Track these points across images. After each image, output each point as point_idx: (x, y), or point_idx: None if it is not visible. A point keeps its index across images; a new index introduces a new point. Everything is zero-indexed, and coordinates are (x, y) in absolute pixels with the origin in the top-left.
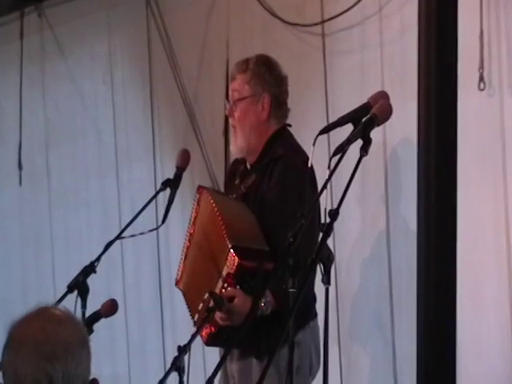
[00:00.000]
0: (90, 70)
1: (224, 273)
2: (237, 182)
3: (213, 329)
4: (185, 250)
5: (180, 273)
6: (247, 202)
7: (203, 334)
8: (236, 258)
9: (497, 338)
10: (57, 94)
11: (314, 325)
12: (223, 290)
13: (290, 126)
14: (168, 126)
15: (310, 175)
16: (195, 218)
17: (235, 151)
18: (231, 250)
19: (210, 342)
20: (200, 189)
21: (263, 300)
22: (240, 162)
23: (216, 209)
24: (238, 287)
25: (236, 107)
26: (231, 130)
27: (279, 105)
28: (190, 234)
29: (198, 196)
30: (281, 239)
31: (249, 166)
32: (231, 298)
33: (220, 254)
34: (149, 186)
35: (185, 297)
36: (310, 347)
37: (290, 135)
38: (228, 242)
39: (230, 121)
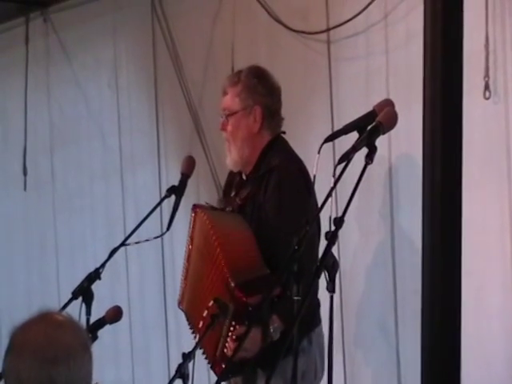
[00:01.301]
0: (95, 74)
1: (230, 311)
2: (232, 194)
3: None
4: (184, 270)
5: (181, 292)
6: (243, 214)
7: (216, 370)
8: (241, 297)
9: (501, 345)
10: (62, 98)
11: (319, 331)
12: (231, 328)
13: (284, 132)
14: (173, 130)
15: (306, 181)
16: (192, 238)
17: (230, 166)
18: (235, 290)
19: (222, 376)
20: (195, 208)
21: (271, 327)
22: (235, 174)
23: (212, 232)
24: (246, 323)
25: (228, 121)
26: (226, 143)
27: (271, 115)
28: (188, 255)
29: (193, 215)
30: (278, 250)
31: (244, 177)
32: (241, 337)
33: (222, 285)
34: (153, 191)
35: (187, 317)
36: (315, 354)
37: (285, 143)
38: (230, 280)
39: (224, 135)
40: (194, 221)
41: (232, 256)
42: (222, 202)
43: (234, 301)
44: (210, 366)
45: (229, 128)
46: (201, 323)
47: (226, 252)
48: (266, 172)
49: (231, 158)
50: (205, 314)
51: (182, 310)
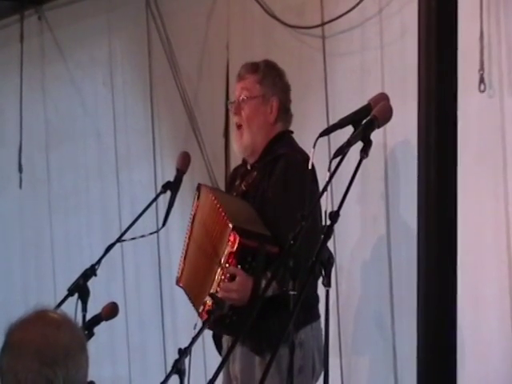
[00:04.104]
0: (90, 72)
1: (225, 254)
2: (237, 182)
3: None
4: (185, 247)
5: (180, 271)
6: (247, 199)
7: (206, 319)
8: (237, 236)
9: (497, 340)
10: (57, 96)
11: (317, 326)
12: (226, 265)
13: (292, 132)
14: (168, 128)
15: (312, 171)
16: (194, 214)
17: (240, 149)
18: (232, 231)
19: (211, 325)
20: (199, 186)
21: (264, 281)
22: (239, 168)
23: (216, 201)
24: (239, 267)
25: (244, 105)
26: (234, 129)
27: (285, 110)
28: (190, 232)
29: (197, 193)
30: (283, 235)
31: (249, 167)
32: (232, 277)
33: (221, 242)
34: (149, 188)
35: (187, 293)
36: (312, 349)
37: (292, 138)
38: (229, 223)
39: (235, 119)
40: (198, 197)
41: (233, 213)
42: None
43: (230, 242)
44: (197, 333)
45: (244, 112)
46: (198, 321)
47: (228, 210)
48: (271, 160)
49: (242, 142)
50: (201, 310)
51: (181, 287)
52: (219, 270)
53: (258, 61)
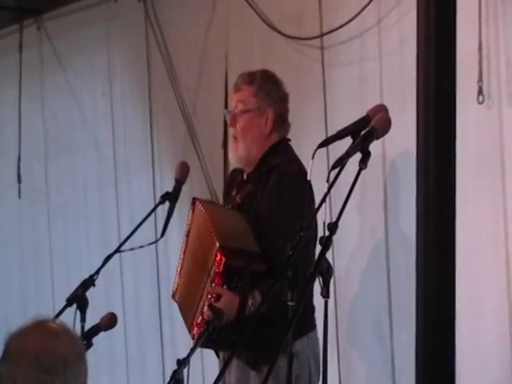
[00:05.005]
0: (89, 82)
1: (212, 273)
2: (233, 193)
3: (200, 328)
4: (180, 262)
5: (176, 285)
6: (242, 212)
7: (194, 333)
8: (223, 257)
9: (496, 349)
10: (56, 106)
11: (313, 336)
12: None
13: (289, 140)
14: (167, 138)
15: (305, 183)
16: (189, 229)
17: (235, 160)
18: (218, 250)
19: (199, 340)
20: (194, 200)
21: (250, 300)
22: (238, 172)
23: (207, 216)
24: (225, 287)
25: (239, 118)
26: (230, 139)
27: (282, 121)
28: (185, 245)
29: (192, 207)
30: (275, 248)
31: (245, 177)
32: (217, 297)
33: (210, 258)
34: (148, 199)
35: (180, 308)
36: (308, 358)
37: (288, 146)
38: (216, 241)
39: (231, 131)
40: (193, 212)
41: (223, 229)
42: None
43: (217, 262)
44: (194, 343)
45: (239, 125)
46: (195, 329)
47: (218, 226)
48: (266, 171)
49: (237, 152)
50: (199, 321)
51: (176, 302)
52: (208, 283)
53: (256, 70)
